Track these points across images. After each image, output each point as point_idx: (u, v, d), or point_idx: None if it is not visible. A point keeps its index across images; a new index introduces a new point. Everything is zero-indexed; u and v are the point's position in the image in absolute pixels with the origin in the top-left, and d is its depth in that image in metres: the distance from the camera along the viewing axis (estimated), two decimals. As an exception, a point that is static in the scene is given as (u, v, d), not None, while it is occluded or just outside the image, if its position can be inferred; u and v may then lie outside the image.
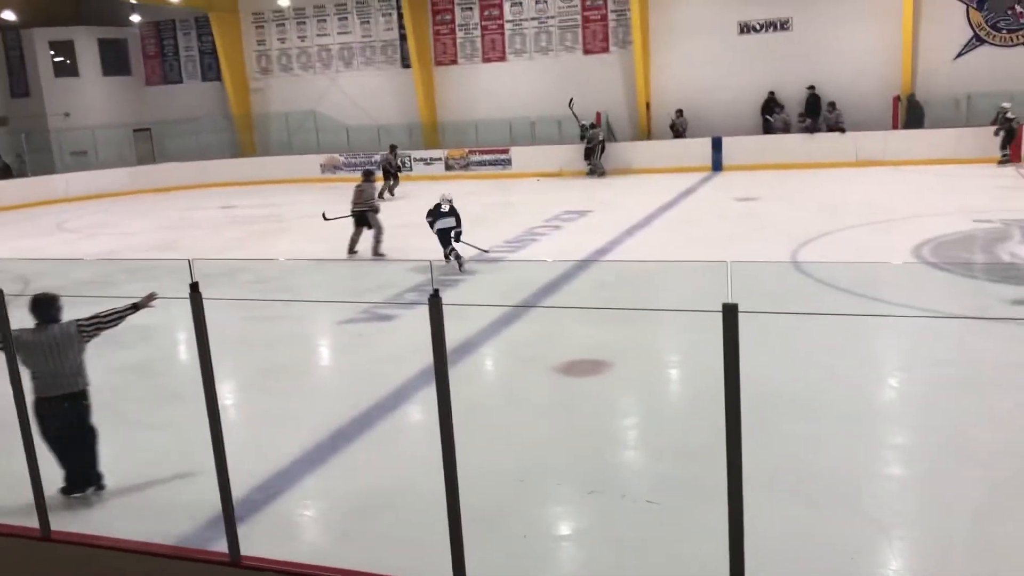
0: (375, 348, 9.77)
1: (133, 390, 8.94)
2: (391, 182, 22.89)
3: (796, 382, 7.73)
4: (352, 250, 14.77)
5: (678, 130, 25.15)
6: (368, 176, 15.34)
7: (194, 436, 7.27)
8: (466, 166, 26.37)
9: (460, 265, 12.88)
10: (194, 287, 4.06)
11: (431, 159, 26.99)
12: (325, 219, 15.50)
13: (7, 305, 4.51)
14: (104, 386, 9.13)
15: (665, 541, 5.26)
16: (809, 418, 6.92)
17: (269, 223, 19.85)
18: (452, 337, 3.82)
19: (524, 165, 25.17)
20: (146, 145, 30.59)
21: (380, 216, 14.84)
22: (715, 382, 3.30)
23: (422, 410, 7.82)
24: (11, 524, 4.76)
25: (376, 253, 14.53)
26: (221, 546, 4.39)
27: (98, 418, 8.23)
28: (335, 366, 9.91)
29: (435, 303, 3.77)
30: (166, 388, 9.14)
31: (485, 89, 27.64)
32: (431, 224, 13.15)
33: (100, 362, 10.04)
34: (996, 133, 20.92)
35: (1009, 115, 20.89)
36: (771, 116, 24.33)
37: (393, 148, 23.91)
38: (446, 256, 13.01)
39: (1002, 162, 20.75)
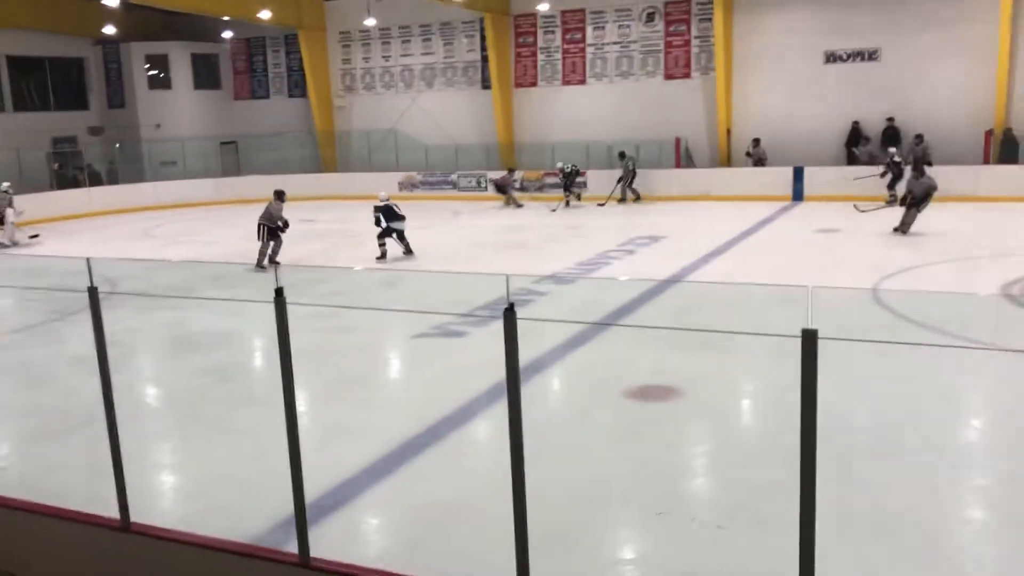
0: (446, 363, 9.85)
1: (211, 392, 9.19)
2: (509, 196, 24.83)
3: (875, 416, 7.53)
4: (260, 264, 15.67)
5: (755, 159, 24.84)
6: (279, 196, 16.40)
7: (268, 440, 7.49)
8: (541, 188, 26.45)
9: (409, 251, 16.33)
10: (279, 292, 4.18)
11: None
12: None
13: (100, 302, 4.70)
14: (184, 388, 9.46)
15: (733, 571, 5.16)
16: (887, 455, 6.72)
17: (346, 238, 20.22)
18: (522, 356, 3.85)
19: (599, 188, 25.12)
20: (232, 157, 31.51)
21: (282, 235, 16.07)
22: (791, 413, 3.25)
23: (490, 426, 7.84)
24: (94, 514, 4.93)
25: (260, 265, 15.55)
26: (291, 547, 4.49)
27: (178, 419, 8.52)
28: (406, 379, 10.03)
29: (510, 317, 3.80)
30: (242, 392, 9.38)
31: (564, 111, 27.74)
32: (379, 220, 16.30)
33: (181, 364, 10.43)
34: (882, 175, 21.14)
35: (896, 159, 21.10)
36: (856, 148, 23.82)
37: (512, 170, 25.63)
38: (384, 253, 16.29)
39: (889, 202, 20.64)
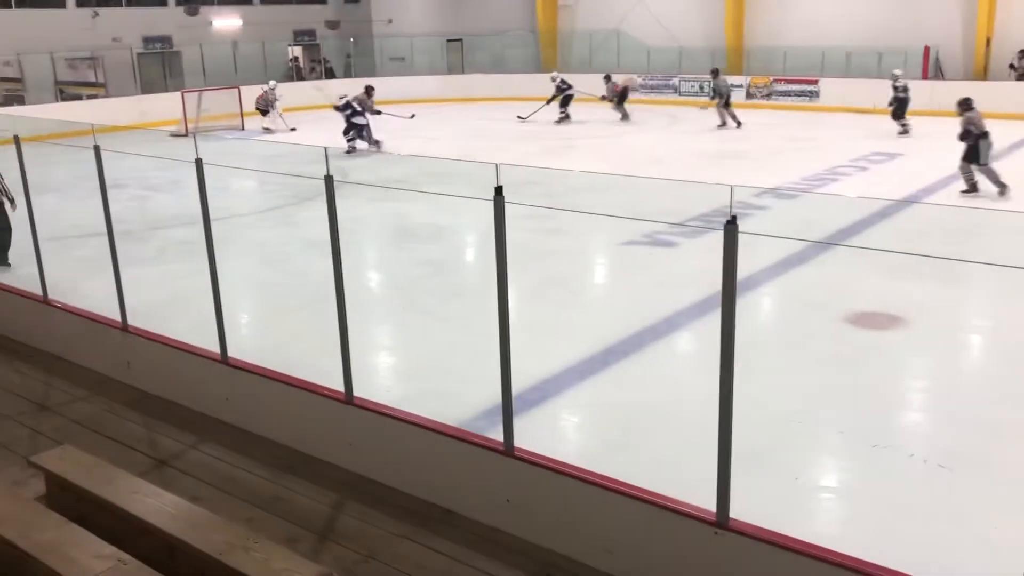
0: (654, 272, 9.74)
1: (428, 283, 9.63)
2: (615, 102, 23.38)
3: None
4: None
5: (1020, 72, 22.20)
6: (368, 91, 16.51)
7: (477, 331, 7.79)
8: (768, 95, 25.11)
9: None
10: (498, 191, 4.23)
11: (732, 85, 25.95)
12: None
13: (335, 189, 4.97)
14: (402, 277, 9.97)
15: (950, 513, 4.86)
16: None
17: (561, 140, 20.21)
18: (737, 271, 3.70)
19: (833, 98, 23.50)
20: (456, 55, 32.08)
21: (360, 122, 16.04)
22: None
23: (694, 339, 7.73)
24: (323, 386, 5.34)
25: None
26: (494, 435, 4.68)
27: (396, 305, 8.99)
28: (613, 285, 10.02)
29: (731, 231, 3.65)
30: (455, 284, 9.76)
31: (800, 14, 25.87)
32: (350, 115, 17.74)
33: (401, 254, 10.98)
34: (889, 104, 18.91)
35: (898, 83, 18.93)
36: None
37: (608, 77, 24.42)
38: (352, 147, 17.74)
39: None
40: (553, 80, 23.41)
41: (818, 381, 6.71)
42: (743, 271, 3.72)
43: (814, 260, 9.75)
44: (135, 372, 6.49)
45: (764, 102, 25.01)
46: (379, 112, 19.49)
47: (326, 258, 5.12)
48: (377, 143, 18.52)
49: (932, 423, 6.17)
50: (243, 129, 22.56)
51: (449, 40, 31.95)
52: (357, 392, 5.13)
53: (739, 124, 21.17)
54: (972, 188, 13.09)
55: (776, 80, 24.92)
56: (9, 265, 10.03)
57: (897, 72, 19.82)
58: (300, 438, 5.47)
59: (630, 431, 5.94)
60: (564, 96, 23.29)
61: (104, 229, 6.53)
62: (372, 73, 30.23)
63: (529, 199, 4.81)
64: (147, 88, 25.82)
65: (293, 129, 22.39)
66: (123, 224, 6.59)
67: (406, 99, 27.77)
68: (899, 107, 19.29)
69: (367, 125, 18.50)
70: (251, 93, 23.20)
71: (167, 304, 8.19)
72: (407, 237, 11.76)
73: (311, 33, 31.94)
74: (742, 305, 3.54)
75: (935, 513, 4.86)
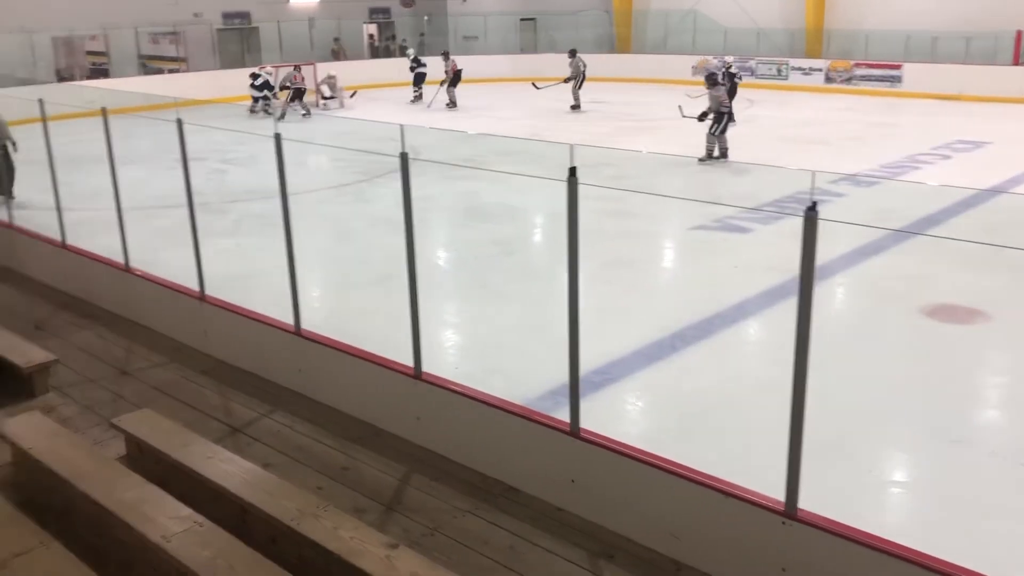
0: (725, 258, 9.61)
1: (496, 262, 9.66)
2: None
3: None
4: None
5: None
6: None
7: (544, 311, 7.80)
8: (848, 80, 24.43)
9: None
10: (572, 171, 4.21)
11: (810, 69, 25.35)
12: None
13: (410, 166, 5.01)
14: (472, 255, 10.02)
15: (1025, 516, 4.71)
16: None
17: (633, 121, 20.02)
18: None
19: (917, 84, 22.76)
20: (530, 35, 31.94)
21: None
22: None
23: (764, 328, 7.62)
24: (392, 360, 5.41)
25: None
26: (559, 415, 4.69)
27: (465, 283, 9.05)
28: (682, 269, 9.92)
29: (811, 218, 3.58)
30: (524, 264, 9.77)
31: (884, -4, 25.11)
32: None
33: (471, 233, 11.03)
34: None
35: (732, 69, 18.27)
36: None
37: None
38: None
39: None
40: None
41: (893, 373, 6.55)
42: (820, 258, 3.64)
43: (892, 250, 9.50)
44: (211, 340, 6.67)
45: (844, 87, 24.36)
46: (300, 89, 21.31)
47: (395, 235, 5.17)
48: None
49: (1012, 420, 5.98)
50: (317, 105, 22.89)
51: (523, 19, 31.82)
52: (425, 368, 5.19)
53: (578, 106, 21.58)
54: None
55: (857, 64, 24.22)
56: (14, 197, 10.80)
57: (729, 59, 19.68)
58: (369, 410, 5.56)
59: (696, 417, 5.89)
60: (416, 74, 23.84)
61: (183, 200, 6.71)
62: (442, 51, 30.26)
63: (600, 180, 4.78)
64: (226, 63, 26.34)
65: (353, 94, 23.22)
66: (201, 196, 6.75)
67: (478, 78, 27.81)
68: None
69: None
70: (325, 71, 23.61)
71: (242, 275, 8.39)
72: (476, 216, 11.81)
73: (386, 11, 32.15)
74: (818, 293, 3.48)
75: (1016, 512, 4.72)
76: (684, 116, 15.32)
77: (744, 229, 10.54)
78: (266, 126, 19.09)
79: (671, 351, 7.02)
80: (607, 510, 4.38)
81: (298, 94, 21.33)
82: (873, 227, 9.59)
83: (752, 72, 26.31)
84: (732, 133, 15.02)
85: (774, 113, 20.90)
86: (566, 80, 22.28)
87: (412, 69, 24.02)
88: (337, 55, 28.13)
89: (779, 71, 25.66)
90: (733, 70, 18.91)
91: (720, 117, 14.66)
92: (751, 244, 10.10)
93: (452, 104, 22.74)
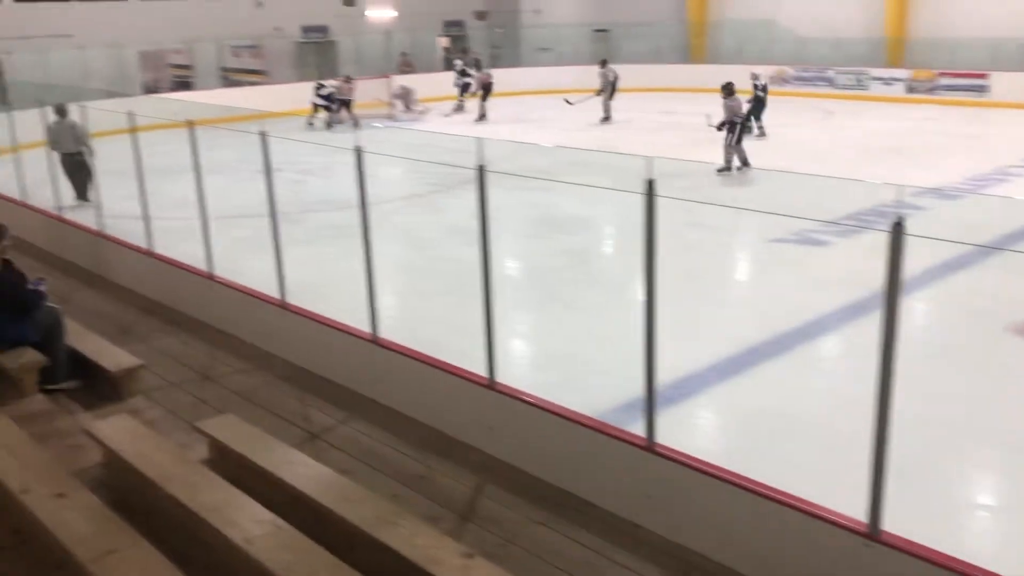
0: (802, 272, 9.43)
1: (567, 273, 9.66)
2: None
3: None
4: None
5: None
6: (61, 111, 12.73)
7: (616, 323, 7.76)
8: (932, 90, 23.75)
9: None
10: (650, 184, 4.19)
11: (891, 79, 24.72)
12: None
13: (487, 178, 5.05)
14: (543, 266, 10.03)
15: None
16: None
17: (706, 132, 19.78)
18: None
19: (1005, 93, 21.99)
20: (602, 45, 31.90)
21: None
22: None
23: (843, 344, 7.45)
24: (466, 370, 5.45)
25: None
26: (633, 428, 4.66)
27: (537, 293, 9.07)
28: (758, 283, 9.76)
29: (897, 232, 3.49)
30: (596, 275, 9.75)
31: (969, 3, 24.31)
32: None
33: (542, 243, 11.04)
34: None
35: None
36: None
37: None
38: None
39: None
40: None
41: (977, 392, 6.34)
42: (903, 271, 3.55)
43: (977, 265, 9.19)
44: (291, 347, 6.82)
45: (927, 97, 23.69)
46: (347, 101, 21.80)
47: (467, 245, 5.22)
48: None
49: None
50: (392, 117, 23.25)
51: (596, 30, 31.81)
52: (498, 378, 5.22)
53: (608, 118, 21.49)
54: None
55: (941, 74, 23.54)
56: (89, 201, 11.56)
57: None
58: (443, 419, 5.61)
59: (773, 433, 5.78)
60: (463, 85, 23.90)
61: (262, 210, 6.87)
62: (518, 63, 30.45)
63: (675, 192, 4.75)
64: (305, 76, 26.96)
65: (424, 111, 23.38)
66: (279, 206, 6.91)
67: (550, 89, 27.88)
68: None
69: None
70: (400, 83, 23.99)
71: (319, 283, 8.55)
72: (548, 227, 11.83)
73: (460, 24, 32.50)
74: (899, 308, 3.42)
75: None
76: (710, 125, 15.16)
77: (823, 242, 10.33)
78: (329, 138, 19.49)
79: (747, 366, 6.91)
80: (683, 527, 4.33)
81: (344, 105, 21.79)
82: (959, 243, 9.29)
83: (830, 82, 25.81)
84: (809, 143, 14.77)
85: (853, 124, 20.45)
86: (597, 92, 22.23)
87: (458, 80, 24.28)
88: (405, 68, 28.45)
89: (858, 81, 25.10)
90: (761, 83, 18.51)
91: (733, 127, 14.53)
92: (830, 257, 9.90)
93: (482, 117, 22.80)
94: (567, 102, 23.13)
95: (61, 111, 12.53)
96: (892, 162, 15.62)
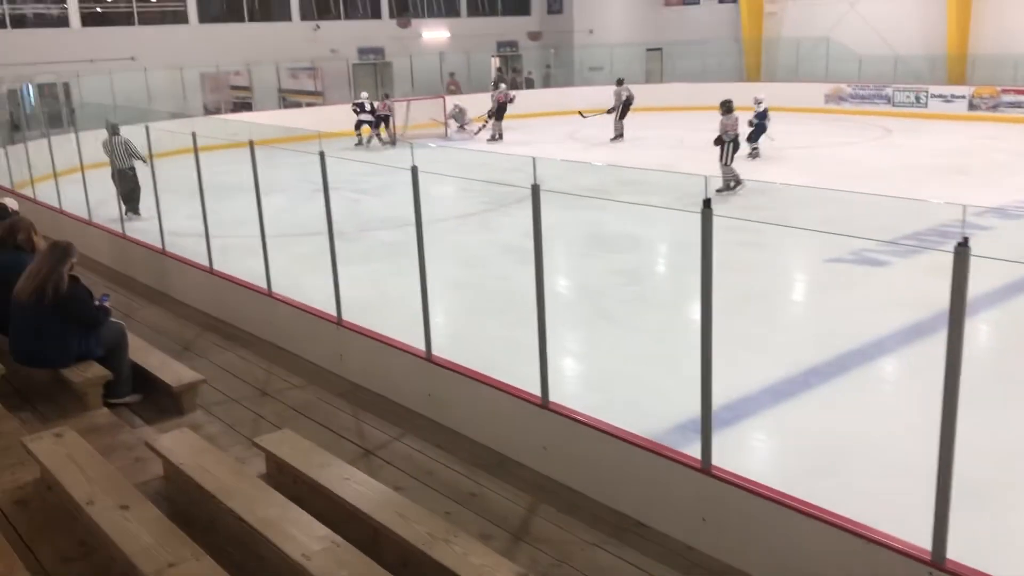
0: (862, 292, 9.27)
1: (620, 292, 9.62)
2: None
3: None
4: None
5: None
6: (114, 129, 13.58)
7: (669, 343, 7.71)
8: (995, 107, 23.23)
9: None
10: (707, 203, 4.17)
11: (952, 96, 24.25)
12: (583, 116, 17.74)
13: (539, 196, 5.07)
14: (595, 285, 10.01)
15: None
16: None
17: (763, 150, 19.60)
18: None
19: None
20: (656, 64, 31.88)
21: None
22: None
23: (904, 365, 7.31)
24: (519, 388, 5.45)
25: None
26: (687, 450, 4.61)
27: (588, 313, 9.05)
28: (816, 303, 9.62)
29: (961, 253, 3.42)
30: (648, 295, 9.69)
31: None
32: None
33: (594, 263, 11.03)
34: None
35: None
36: None
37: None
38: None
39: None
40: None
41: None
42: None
43: (1046, 286, 8.95)
44: (347, 364, 6.90)
45: (989, 114, 23.19)
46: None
47: (519, 263, 5.24)
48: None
49: None
50: (446, 137, 23.49)
51: (649, 49, 31.80)
52: (551, 397, 5.21)
53: (620, 136, 21.59)
54: None
55: (1004, 91, 23.01)
56: (139, 214, 12.40)
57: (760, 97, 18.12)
58: (495, 437, 5.61)
59: (831, 457, 5.68)
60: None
61: (319, 228, 6.98)
62: (570, 82, 30.55)
63: (730, 211, 4.71)
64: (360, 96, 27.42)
65: (479, 130, 23.50)
66: (336, 225, 7.01)
67: (602, 108, 27.89)
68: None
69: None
70: (454, 102, 24.22)
71: (374, 301, 8.65)
72: (601, 246, 11.81)
73: (514, 44, 32.74)
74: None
75: None
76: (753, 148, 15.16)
77: (881, 262, 10.16)
78: (387, 158, 19.73)
79: (804, 387, 6.81)
80: (740, 551, 4.26)
81: (383, 122, 22.16)
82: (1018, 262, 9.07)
83: (888, 100, 25.41)
84: (866, 161, 14.54)
85: (913, 142, 20.09)
86: (609, 111, 22.20)
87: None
88: (453, 88, 28.55)
89: (917, 98, 24.67)
90: (761, 108, 18.08)
91: (724, 145, 14.71)
92: (889, 277, 9.73)
93: (497, 137, 22.82)
94: (581, 115, 23.27)
95: (114, 129, 13.42)
96: (953, 181, 15.30)
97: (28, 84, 19.92)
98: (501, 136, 22.87)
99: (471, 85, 28.92)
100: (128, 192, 13.05)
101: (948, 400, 3.45)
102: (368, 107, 22.34)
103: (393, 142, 21.92)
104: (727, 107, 15.26)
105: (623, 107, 22.14)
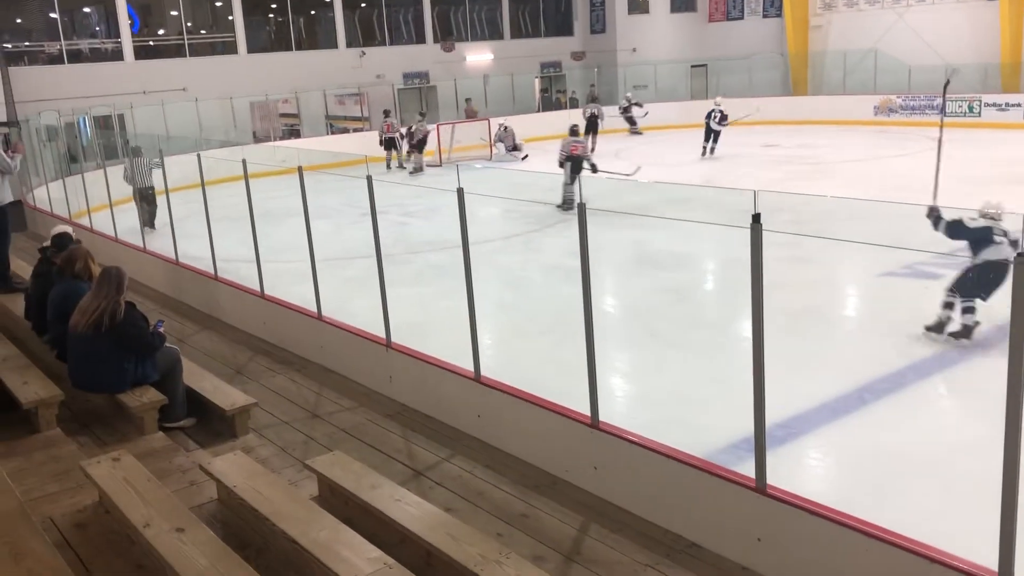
0: (916, 306, 9.06)
1: (668, 311, 9.54)
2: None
3: None
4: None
5: None
6: (136, 151, 14.76)
7: (718, 361, 7.61)
8: (1050, 116, 22.72)
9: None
10: (755, 218, 4.13)
11: (1007, 104, 23.73)
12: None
13: (586, 215, 5.06)
14: (643, 304, 9.94)
15: None
16: None
17: (810, 165, 19.38)
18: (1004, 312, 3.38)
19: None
20: (701, 81, 31.72)
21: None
22: None
23: (961, 381, 7.13)
24: (569, 409, 5.43)
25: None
26: (740, 469, 4.54)
27: (636, 332, 8.97)
28: (869, 319, 9.44)
29: (1022, 264, 3.33)
30: (697, 312, 9.59)
31: (1090, 24, 23.28)
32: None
33: (641, 282, 10.96)
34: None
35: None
36: None
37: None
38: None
39: None
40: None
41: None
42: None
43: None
44: (396, 386, 6.94)
45: (1044, 122, 22.66)
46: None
47: (565, 283, 5.24)
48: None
49: None
50: (491, 159, 23.60)
51: (693, 66, 31.67)
52: (601, 417, 5.17)
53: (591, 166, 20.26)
54: None
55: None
56: (155, 228, 13.09)
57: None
58: (546, 458, 5.59)
59: (889, 475, 5.55)
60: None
61: (367, 252, 7.04)
62: (613, 102, 30.54)
63: (777, 227, 4.64)
64: (407, 120, 27.69)
65: (525, 157, 23.20)
66: (384, 248, 7.07)
67: (646, 126, 27.83)
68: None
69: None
70: (499, 123, 24.32)
71: (422, 323, 8.69)
72: (648, 264, 11.74)
73: (557, 65, 32.85)
74: (1004, 344, 3.27)
75: None
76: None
77: (936, 275, 9.91)
78: (434, 181, 19.90)
79: (859, 404, 6.67)
80: (796, 571, 4.18)
81: (417, 147, 22.19)
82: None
83: (939, 110, 24.94)
84: (917, 172, 14.22)
85: (966, 153, 19.66)
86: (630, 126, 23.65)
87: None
88: (470, 114, 28.12)
89: (970, 108, 24.19)
90: (716, 112, 20.60)
91: (565, 165, 15.46)
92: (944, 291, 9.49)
93: (418, 169, 22.13)
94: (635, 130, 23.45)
95: (136, 152, 14.61)
96: (1010, 191, 14.92)
97: (84, 116, 20.49)
98: (421, 168, 22.31)
99: (515, 107, 29.02)
100: (146, 209, 13.84)
101: (1011, 416, 3.35)
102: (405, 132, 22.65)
103: (421, 168, 22.04)
104: (573, 131, 16.61)
105: (588, 124, 22.81)
